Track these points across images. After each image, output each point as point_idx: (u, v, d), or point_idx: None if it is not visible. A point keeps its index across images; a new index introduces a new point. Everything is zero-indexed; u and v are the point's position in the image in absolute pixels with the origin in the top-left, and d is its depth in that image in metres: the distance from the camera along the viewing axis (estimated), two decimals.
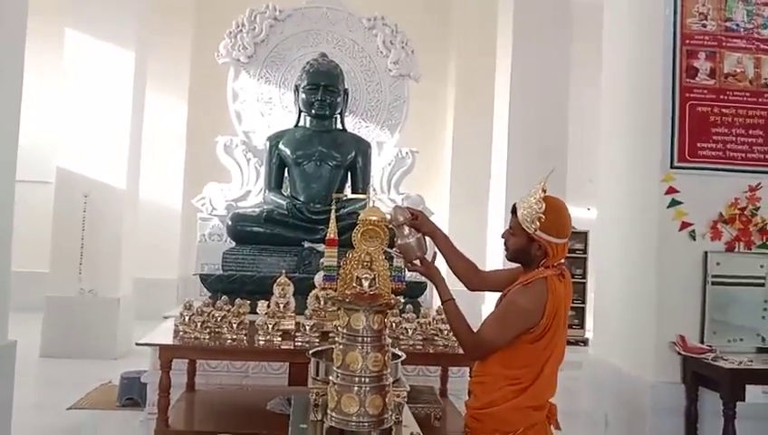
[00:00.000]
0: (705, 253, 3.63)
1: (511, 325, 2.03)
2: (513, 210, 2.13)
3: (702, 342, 3.59)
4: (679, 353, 3.57)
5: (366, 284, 1.83)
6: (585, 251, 8.40)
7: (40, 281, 6.33)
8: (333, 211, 2.48)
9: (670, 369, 3.60)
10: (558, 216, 2.08)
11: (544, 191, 2.05)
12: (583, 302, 8.23)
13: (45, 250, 6.26)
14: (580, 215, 7.80)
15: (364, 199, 4.22)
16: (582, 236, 8.36)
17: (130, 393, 4.52)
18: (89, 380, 5.17)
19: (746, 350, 3.58)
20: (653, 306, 3.67)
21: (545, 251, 2.07)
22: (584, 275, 8.34)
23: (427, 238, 2.25)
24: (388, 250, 2.00)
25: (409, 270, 2.26)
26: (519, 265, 2.18)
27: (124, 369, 4.87)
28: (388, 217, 2.10)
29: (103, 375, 5.26)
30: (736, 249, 3.65)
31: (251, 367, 4.00)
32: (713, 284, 3.61)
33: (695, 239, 3.64)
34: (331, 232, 2.48)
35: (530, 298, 2.03)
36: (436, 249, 2.31)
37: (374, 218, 1.94)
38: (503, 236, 2.18)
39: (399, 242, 2.17)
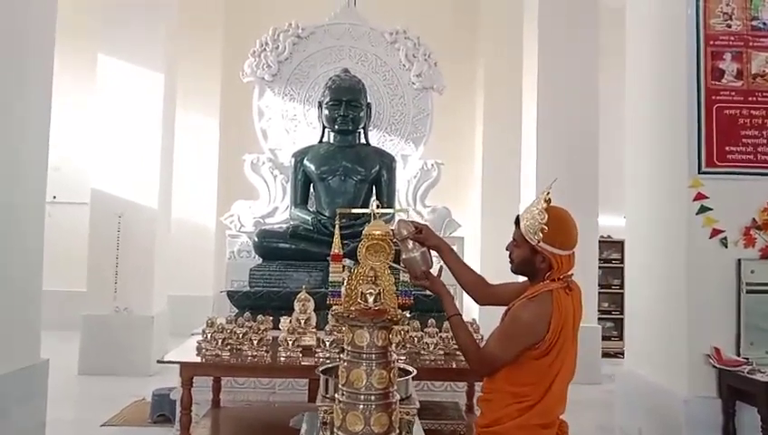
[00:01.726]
0: (739, 260, 3.50)
1: (515, 340, 1.98)
2: (517, 221, 2.08)
3: (738, 353, 3.46)
4: (714, 366, 3.44)
5: (371, 299, 1.80)
6: (622, 260, 8.21)
7: (77, 300, 6.49)
8: (338, 226, 2.46)
9: (705, 382, 3.48)
10: (561, 226, 2.02)
11: (548, 202, 1.99)
12: (621, 313, 8.02)
13: (82, 270, 6.42)
14: (614, 223, 7.67)
15: (391, 212, 4.21)
16: (619, 246, 8.18)
17: (162, 410, 4.57)
18: (124, 396, 5.26)
19: None
20: (685, 317, 3.55)
21: (550, 263, 2.02)
22: (622, 286, 8.14)
23: (434, 252, 2.22)
24: (394, 265, 1.97)
25: (414, 285, 2.23)
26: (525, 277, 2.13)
27: (158, 385, 4.94)
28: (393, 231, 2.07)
29: (138, 392, 5.34)
30: None
31: (277, 383, 4.01)
32: (747, 292, 3.48)
33: (726, 247, 3.52)
34: (336, 247, 2.47)
35: (534, 312, 1.97)
36: (443, 263, 2.27)
37: (378, 233, 1.92)
38: (507, 249, 2.13)
39: (404, 256, 2.14)
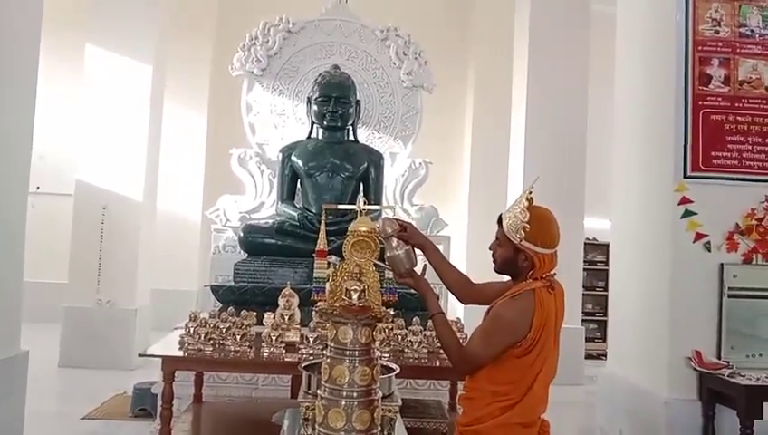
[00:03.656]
0: (722, 265, 3.54)
1: (497, 339, 1.98)
2: (500, 221, 2.08)
3: (719, 357, 3.49)
4: (695, 369, 3.47)
5: (355, 296, 1.79)
6: (607, 263, 8.25)
7: (59, 292, 6.42)
8: (324, 223, 2.46)
9: (686, 385, 3.51)
10: (543, 225, 2.03)
11: (530, 201, 2.00)
12: (605, 315, 8.07)
13: (64, 261, 6.35)
14: (600, 226, 7.72)
15: (377, 209, 4.21)
16: (604, 248, 8.23)
17: (143, 404, 4.54)
18: (105, 390, 5.21)
19: (766, 365, 3.46)
20: (667, 320, 3.58)
21: (532, 262, 2.02)
22: (606, 288, 8.19)
23: (418, 251, 2.21)
24: (379, 263, 1.97)
25: (398, 283, 2.22)
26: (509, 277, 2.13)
27: (140, 379, 4.90)
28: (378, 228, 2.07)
29: (119, 385, 5.30)
30: (754, 261, 3.55)
31: (260, 379, 4.00)
32: (729, 297, 3.51)
33: (710, 251, 3.55)
34: (321, 243, 2.46)
35: (516, 311, 1.97)
36: (427, 262, 2.27)
37: (364, 229, 1.91)
38: (490, 248, 2.13)
39: (388, 254, 2.13)
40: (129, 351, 6.02)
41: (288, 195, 4.80)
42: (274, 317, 3.18)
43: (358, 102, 4.87)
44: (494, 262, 2.13)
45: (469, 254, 8.13)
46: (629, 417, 3.85)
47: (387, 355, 2.84)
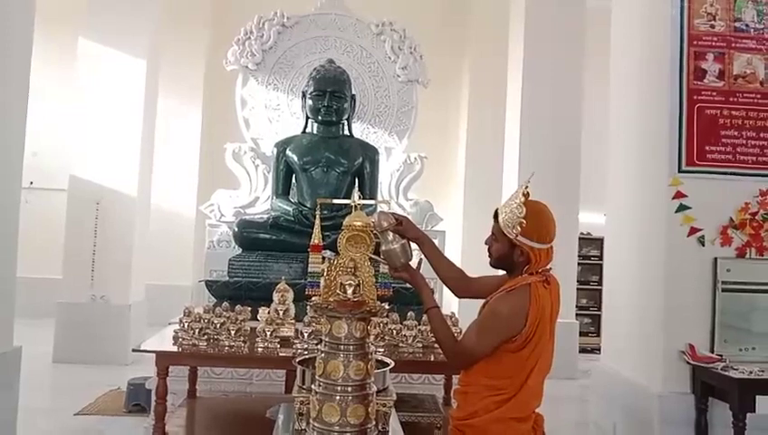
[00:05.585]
0: (715, 259, 3.55)
1: (492, 334, 1.98)
2: (495, 216, 2.08)
3: (712, 351, 3.50)
4: (688, 363, 3.48)
5: (350, 291, 1.79)
6: (601, 257, 8.28)
7: (52, 287, 6.40)
8: (318, 217, 2.45)
9: (679, 379, 3.52)
10: (539, 220, 2.03)
11: (526, 196, 2.00)
12: (599, 309, 8.10)
13: (58, 257, 6.34)
14: (594, 220, 7.74)
15: (372, 204, 4.21)
16: (598, 243, 8.25)
17: (137, 399, 4.54)
18: (99, 385, 5.20)
19: (758, 359, 3.48)
20: (661, 314, 3.59)
21: (528, 257, 2.02)
22: (600, 283, 8.22)
23: (414, 245, 2.21)
24: (374, 257, 1.97)
25: (394, 277, 2.22)
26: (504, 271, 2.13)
27: (134, 375, 4.90)
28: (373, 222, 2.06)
29: (113, 381, 5.29)
30: (747, 255, 3.56)
31: (255, 374, 3.99)
32: (723, 291, 3.52)
33: (704, 245, 3.56)
34: (316, 238, 2.46)
35: (512, 305, 1.97)
36: (423, 256, 2.27)
37: (359, 224, 1.91)
38: (486, 243, 2.13)
39: (383, 248, 2.13)
40: (123, 346, 6.01)
41: (283, 190, 4.80)
42: (269, 312, 3.17)
43: (353, 97, 4.86)
44: (490, 257, 2.13)
45: (464, 249, 8.13)
46: (623, 410, 3.87)
47: (381, 350, 2.84)
